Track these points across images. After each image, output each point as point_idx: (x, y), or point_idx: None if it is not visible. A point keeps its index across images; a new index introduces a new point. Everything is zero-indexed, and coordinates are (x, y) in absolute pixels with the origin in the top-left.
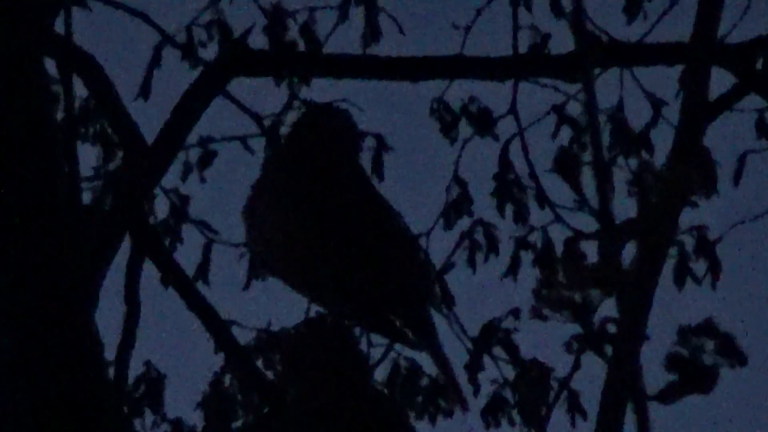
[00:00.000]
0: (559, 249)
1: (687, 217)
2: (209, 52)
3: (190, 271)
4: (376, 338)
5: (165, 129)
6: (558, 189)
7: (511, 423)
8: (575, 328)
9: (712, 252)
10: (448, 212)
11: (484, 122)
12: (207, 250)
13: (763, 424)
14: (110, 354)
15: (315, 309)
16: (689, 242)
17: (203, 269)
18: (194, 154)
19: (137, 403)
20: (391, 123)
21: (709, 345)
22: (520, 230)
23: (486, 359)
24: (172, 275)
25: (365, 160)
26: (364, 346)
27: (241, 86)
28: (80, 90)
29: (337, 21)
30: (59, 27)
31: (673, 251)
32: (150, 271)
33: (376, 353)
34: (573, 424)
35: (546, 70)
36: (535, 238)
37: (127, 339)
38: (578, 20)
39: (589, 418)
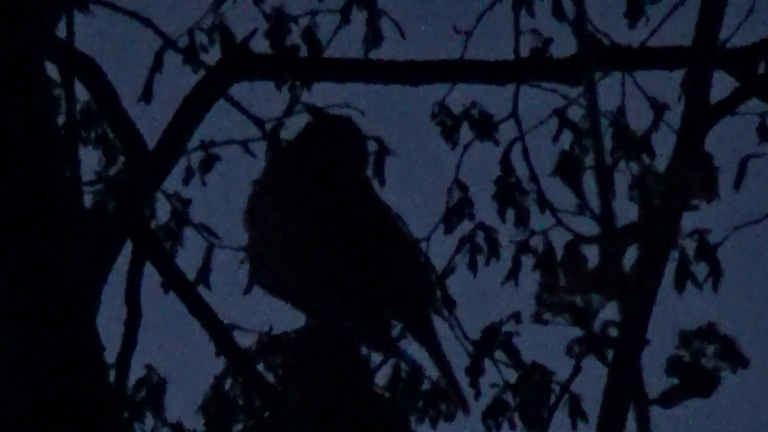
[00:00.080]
0: (560, 253)
1: (688, 221)
2: (211, 56)
3: (192, 274)
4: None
5: (167, 133)
6: (559, 193)
7: (512, 426)
8: (576, 332)
9: (713, 256)
10: (449, 216)
11: (485, 126)
12: (208, 253)
13: (765, 427)
14: (111, 357)
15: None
16: (690, 246)
17: (204, 273)
18: (196, 158)
19: (138, 407)
20: (393, 127)
21: (710, 348)
22: (521, 234)
23: (487, 363)
24: (174, 279)
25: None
26: (364, 349)
27: (242, 90)
28: (82, 94)
29: (338, 25)
30: (61, 31)
31: (674, 255)
32: (151, 275)
33: (377, 356)
34: (574, 427)
35: (547, 74)
36: (536, 242)
37: (128, 342)
38: (580, 24)
39: (590, 421)
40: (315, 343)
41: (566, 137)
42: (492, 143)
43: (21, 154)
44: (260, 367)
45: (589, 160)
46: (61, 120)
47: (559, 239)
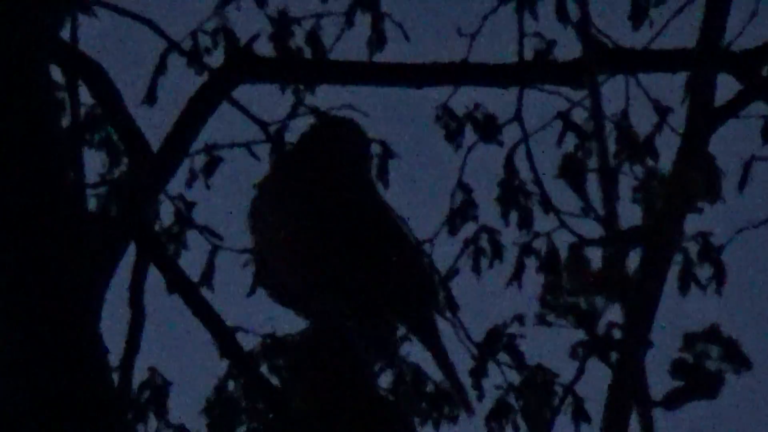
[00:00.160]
0: (563, 255)
1: (692, 223)
2: (215, 59)
3: (195, 277)
4: None
5: (170, 135)
6: (563, 195)
7: (516, 428)
8: (580, 334)
9: (717, 258)
10: (452, 218)
11: (488, 129)
12: (212, 256)
13: None
14: (115, 359)
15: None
16: (694, 248)
17: (208, 275)
18: (199, 161)
19: (141, 408)
20: (396, 129)
21: (714, 351)
22: (525, 236)
23: (491, 365)
24: (177, 281)
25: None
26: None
27: (246, 93)
28: (86, 97)
29: (342, 28)
30: (65, 34)
31: (677, 257)
32: (155, 277)
33: (380, 357)
34: (577, 429)
35: (551, 77)
36: (539, 244)
37: (131, 344)
38: (583, 27)
39: (593, 423)
40: (317, 345)
41: (570, 140)
42: (496, 145)
43: (23, 155)
44: (263, 369)
45: (593, 162)
46: (65, 122)
47: (563, 241)
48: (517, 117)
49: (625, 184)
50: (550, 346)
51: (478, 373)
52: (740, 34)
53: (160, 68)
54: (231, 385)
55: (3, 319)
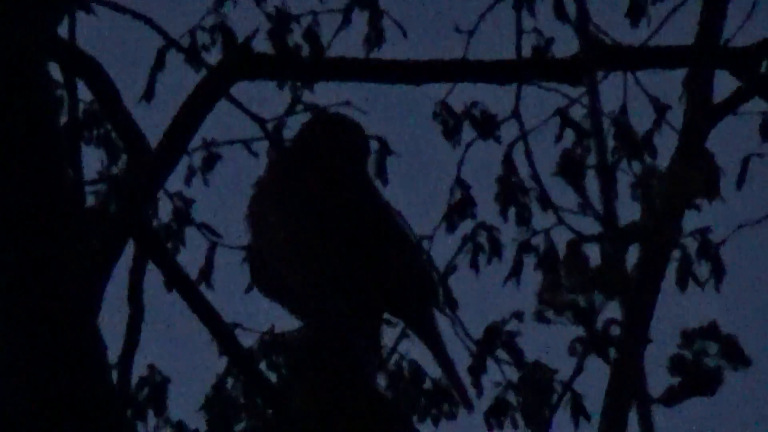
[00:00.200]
0: (562, 252)
1: (690, 220)
2: (213, 56)
3: (194, 274)
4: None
5: (168, 132)
6: (561, 192)
7: (515, 425)
8: (578, 331)
9: (716, 255)
10: (450, 215)
11: (487, 125)
12: (210, 253)
13: (767, 425)
14: (114, 357)
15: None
16: (692, 245)
17: (207, 272)
18: (198, 158)
19: (140, 406)
20: (395, 126)
21: (713, 348)
22: (523, 233)
23: (489, 362)
24: (176, 278)
25: (369, 163)
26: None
27: (244, 90)
28: (84, 94)
29: (340, 25)
30: (63, 31)
31: (676, 254)
32: (153, 275)
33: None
34: (576, 426)
35: (549, 74)
36: (538, 241)
37: (130, 341)
38: (582, 24)
39: (592, 420)
40: (317, 345)
41: (568, 137)
42: (494, 142)
43: (23, 155)
44: (262, 366)
45: (592, 159)
46: (63, 119)
47: (561, 238)
48: (515, 114)
49: (624, 181)
50: (549, 343)
51: (477, 370)
52: (738, 31)
53: (158, 65)
54: (230, 382)
55: (3, 319)
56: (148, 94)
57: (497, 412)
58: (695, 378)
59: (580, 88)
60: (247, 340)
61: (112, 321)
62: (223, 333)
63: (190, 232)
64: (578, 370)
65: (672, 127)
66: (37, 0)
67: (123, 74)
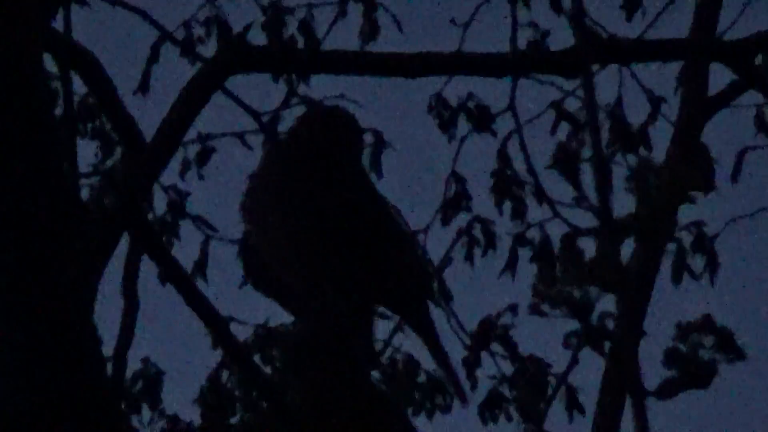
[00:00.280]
0: (557, 245)
1: (685, 213)
2: (208, 49)
3: (189, 267)
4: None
5: (163, 125)
6: (556, 185)
7: (509, 418)
8: (573, 324)
9: (711, 248)
10: (446, 208)
11: (482, 119)
12: (205, 246)
13: (761, 417)
14: (108, 350)
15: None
16: (687, 238)
17: (201, 265)
18: (192, 151)
19: (135, 399)
20: (390, 119)
21: (708, 341)
22: (518, 226)
23: (484, 355)
24: (171, 271)
25: (364, 156)
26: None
27: (239, 82)
28: (79, 87)
29: (335, 18)
30: (58, 24)
31: (671, 247)
32: (148, 268)
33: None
34: (571, 419)
35: (545, 67)
36: (533, 234)
37: (125, 335)
38: (577, 17)
39: (587, 413)
40: (316, 344)
41: (563, 130)
42: (489, 135)
43: (19, 150)
44: (257, 358)
45: (587, 152)
46: (58, 112)
47: (557, 231)
48: (511, 107)
49: (619, 173)
50: (544, 336)
51: (472, 363)
52: (733, 24)
53: (153, 58)
54: (224, 375)
55: (3, 319)
56: (143, 87)
57: (492, 405)
58: (690, 371)
59: (576, 81)
60: (242, 333)
61: (107, 314)
62: (217, 326)
63: (185, 226)
64: (573, 362)
65: (667, 120)
66: None
67: (118, 67)
